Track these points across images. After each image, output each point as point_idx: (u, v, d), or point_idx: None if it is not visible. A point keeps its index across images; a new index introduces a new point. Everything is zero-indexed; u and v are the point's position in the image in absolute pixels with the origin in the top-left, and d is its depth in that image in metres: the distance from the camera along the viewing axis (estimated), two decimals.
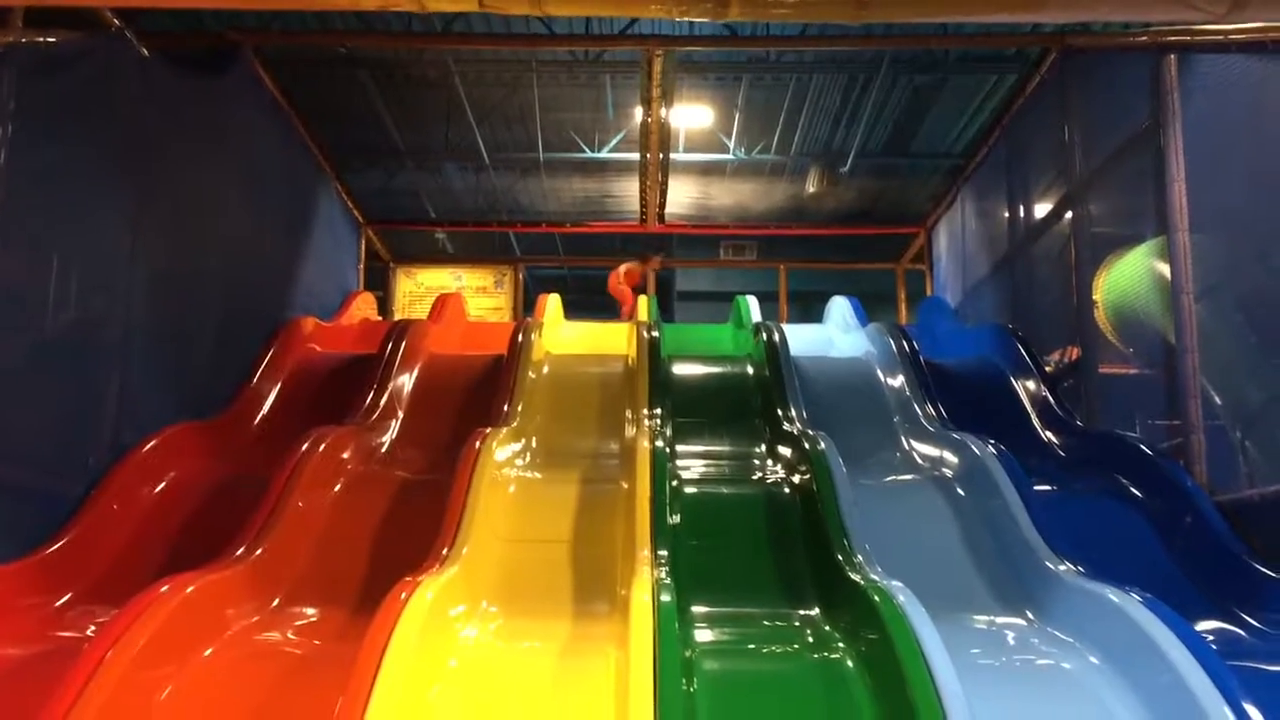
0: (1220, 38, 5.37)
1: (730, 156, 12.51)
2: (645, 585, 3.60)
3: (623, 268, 12.02)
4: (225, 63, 7.18)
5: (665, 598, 3.45)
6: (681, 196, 12.99)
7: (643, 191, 11.04)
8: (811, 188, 12.75)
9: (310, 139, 9.00)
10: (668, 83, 8.61)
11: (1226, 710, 2.95)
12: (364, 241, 11.25)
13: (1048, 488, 5.55)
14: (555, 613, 4.22)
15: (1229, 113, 5.78)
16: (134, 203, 5.60)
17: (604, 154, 12.22)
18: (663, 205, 11.47)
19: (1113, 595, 3.62)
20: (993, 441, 5.29)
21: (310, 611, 4.25)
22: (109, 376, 5.27)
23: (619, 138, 11.90)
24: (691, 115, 11.37)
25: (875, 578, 3.80)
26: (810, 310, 11.31)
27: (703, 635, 3.98)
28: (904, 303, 12.29)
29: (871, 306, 9.65)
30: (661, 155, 10.17)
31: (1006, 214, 8.68)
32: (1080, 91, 7.09)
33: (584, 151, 12.25)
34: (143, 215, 5.67)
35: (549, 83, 10.81)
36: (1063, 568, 4.16)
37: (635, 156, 10.64)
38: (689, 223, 13.47)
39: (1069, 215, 7.18)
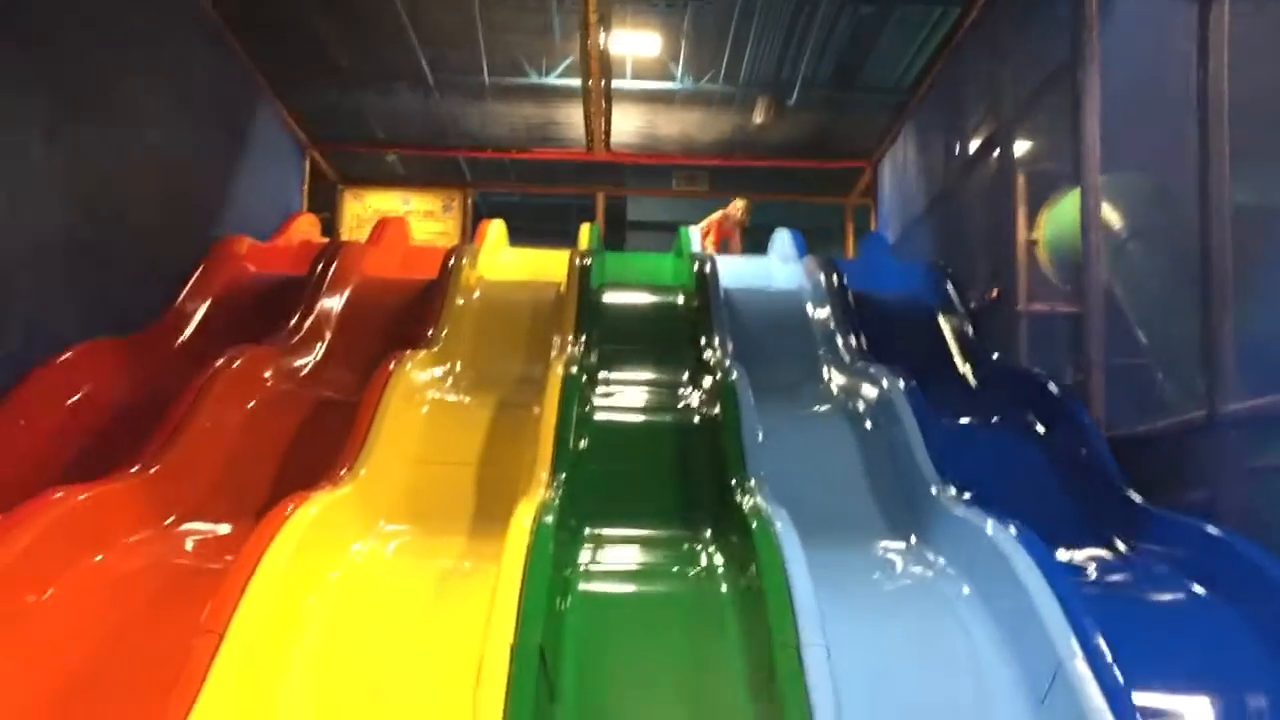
0: None
1: (678, 85, 12.37)
2: (532, 505, 3.67)
3: (711, 228, 11.31)
4: None
5: (547, 518, 3.51)
6: (629, 125, 12.86)
7: (587, 118, 10.96)
8: (759, 119, 12.64)
9: (250, 56, 8.85)
10: (605, 7, 8.54)
11: (1073, 641, 3.03)
12: (309, 163, 11.13)
13: (960, 420, 5.69)
14: (452, 531, 4.30)
15: (1156, 50, 5.79)
16: (47, 111, 5.50)
17: (551, 79, 12.05)
18: (608, 133, 11.39)
19: (984, 523, 3.73)
20: (903, 374, 5.38)
21: (211, 528, 4.27)
22: (13, 288, 5.19)
23: (566, 63, 11.74)
24: (638, 42, 11.22)
25: (759, 502, 3.88)
26: (761, 243, 11.32)
27: (589, 555, 4.07)
28: (851, 237, 12.32)
29: (822, 241, 9.70)
30: (604, 82, 10.09)
31: (944, 151, 8.73)
32: (1013, 28, 7.11)
33: (529, 77, 12.08)
34: (58, 125, 5.57)
35: (495, 5, 10.63)
36: (949, 495, 4.27)
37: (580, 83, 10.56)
38: (637, 151, 13.37)
39: (997, 153, 7.22)
